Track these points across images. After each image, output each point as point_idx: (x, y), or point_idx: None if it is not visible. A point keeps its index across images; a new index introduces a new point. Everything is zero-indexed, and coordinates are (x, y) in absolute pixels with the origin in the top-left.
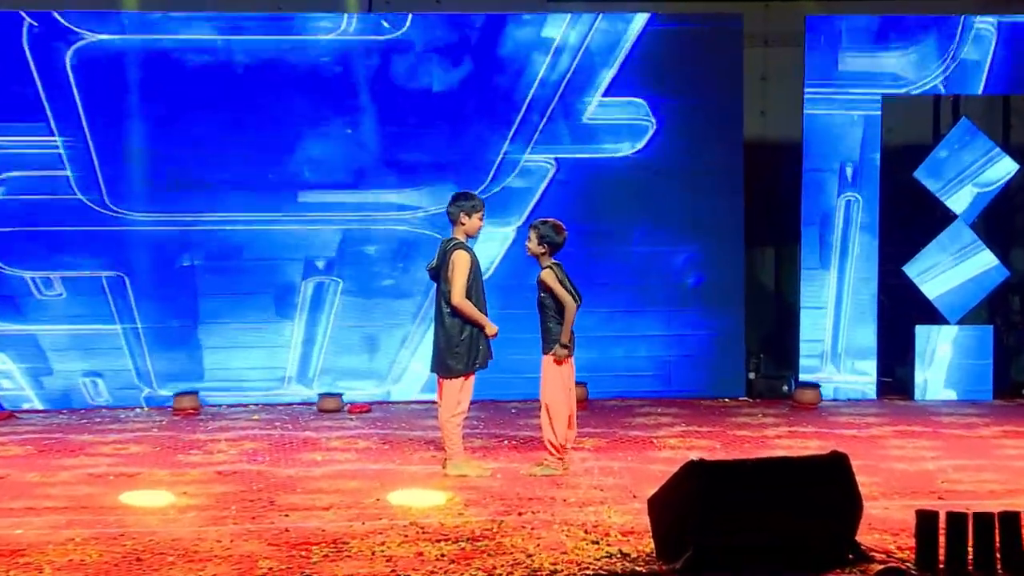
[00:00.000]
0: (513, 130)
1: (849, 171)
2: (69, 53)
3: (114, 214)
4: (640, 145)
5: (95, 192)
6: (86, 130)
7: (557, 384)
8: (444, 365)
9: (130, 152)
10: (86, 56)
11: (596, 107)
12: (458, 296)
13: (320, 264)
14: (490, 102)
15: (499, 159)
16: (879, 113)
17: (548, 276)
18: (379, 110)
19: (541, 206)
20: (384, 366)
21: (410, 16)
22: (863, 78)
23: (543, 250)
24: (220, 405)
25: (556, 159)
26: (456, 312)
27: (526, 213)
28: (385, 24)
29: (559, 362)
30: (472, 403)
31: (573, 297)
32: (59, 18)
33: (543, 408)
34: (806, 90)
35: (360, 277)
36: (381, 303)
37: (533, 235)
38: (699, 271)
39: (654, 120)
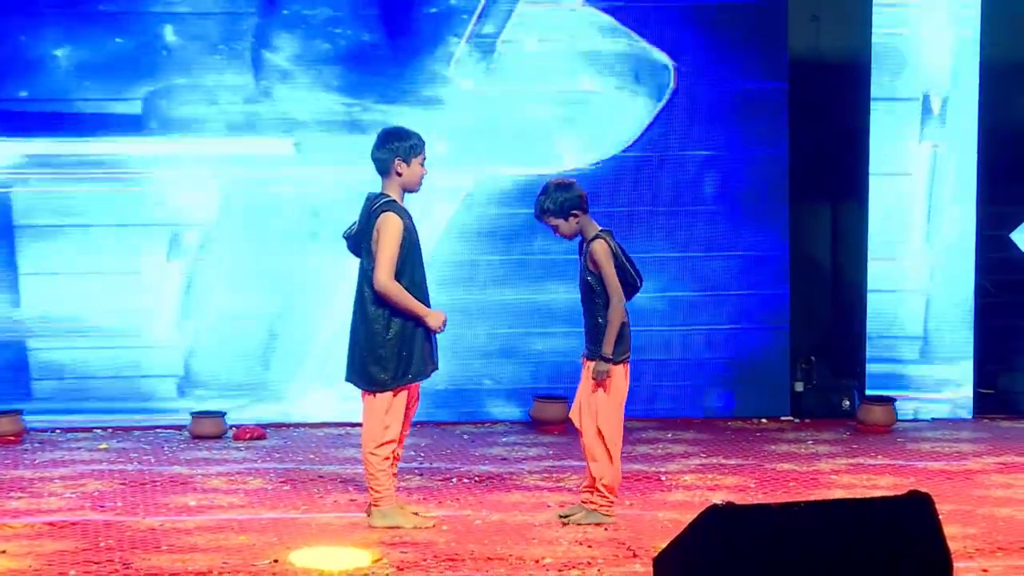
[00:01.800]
0: None
1: (936, 103)
2: None
3: None
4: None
5: None
6: None
7: (613, 402)
8: (365, 374)
9: None
10: None
11: None
12: (384, 275)
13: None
14: None
15: None
16: (978, 22)
17: (600, 249)
18: None
19: None
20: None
21: None
22: None
23: (576, 221)
24: (52, 429)
25: None
26: (381, 298)
27: None
28: None
29: (600, 384)
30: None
31: (630, 280)
32: None
33: (594, 435)
34: None
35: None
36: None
37: (551, 220)
38: (730, 238)
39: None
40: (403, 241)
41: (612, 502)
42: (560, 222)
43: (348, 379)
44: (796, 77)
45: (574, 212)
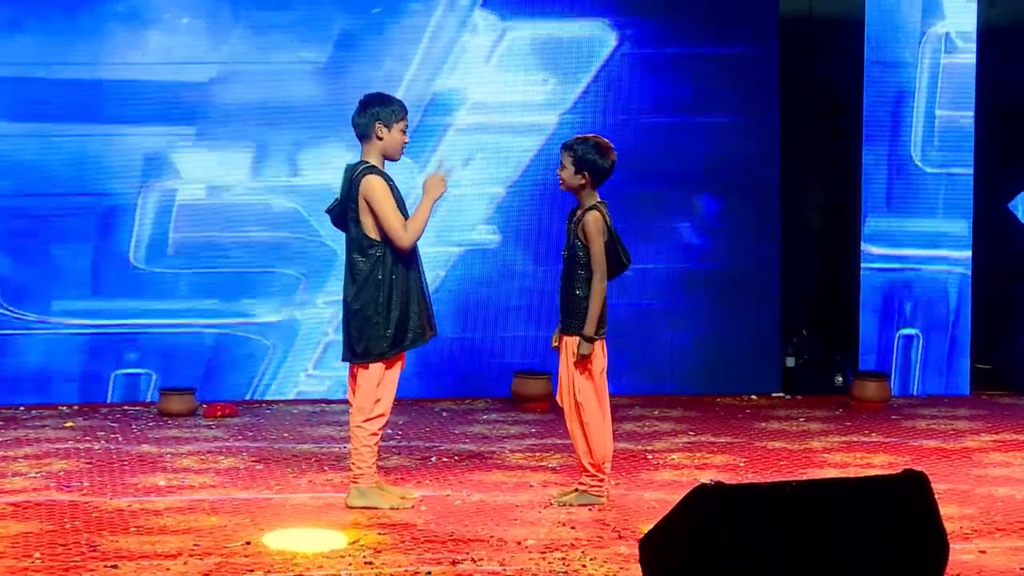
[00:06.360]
0: None
1: (927, 63)
2: None
3: None
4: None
5: None
6: None
7: (593, 378)
8: (360, 344)
9: None
10: None
11: None
12: (400, 231)
13: None
14: None
15: None
16: None
17: (594, 222)
18: None
19: None
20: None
21: None
22: None
23: (582, 180)
24: (16, 406)
25: None
26: (407, 255)
27: None
28: None
29: (581, 365)
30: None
31: (620, 258)
32: None
33: (572, 413)
34: None
35: None
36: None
37: (567, 159)
38: (715, 216)
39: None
40: (394, 197)
41: (602, 480)
42: (569, 165)
43: (344, 358)
44: (787, 41)
45: (585, 173)
